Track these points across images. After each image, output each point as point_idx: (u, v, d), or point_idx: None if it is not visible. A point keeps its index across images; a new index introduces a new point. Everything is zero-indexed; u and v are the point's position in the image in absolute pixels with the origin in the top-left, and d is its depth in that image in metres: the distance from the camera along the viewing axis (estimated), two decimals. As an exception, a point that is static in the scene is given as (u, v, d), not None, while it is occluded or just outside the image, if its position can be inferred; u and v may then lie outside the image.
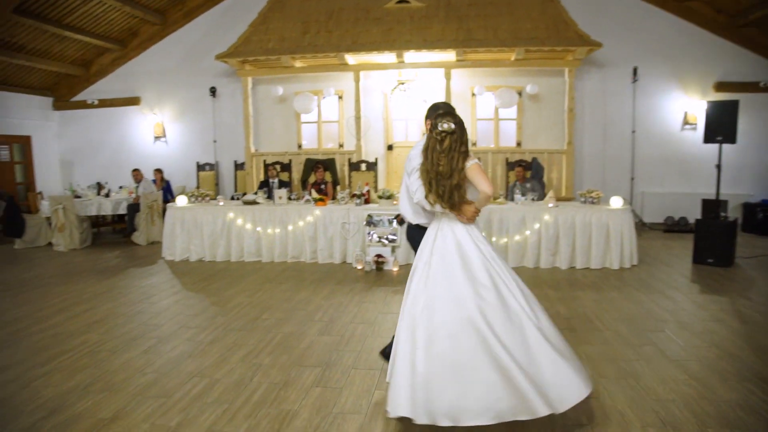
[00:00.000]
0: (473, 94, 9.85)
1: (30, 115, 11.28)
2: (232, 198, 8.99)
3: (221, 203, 7.88)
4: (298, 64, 9.77)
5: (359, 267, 6.89)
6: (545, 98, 9.83)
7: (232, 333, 4.65)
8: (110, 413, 3.23)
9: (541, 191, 7.57)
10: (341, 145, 10.43)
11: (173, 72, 11.16)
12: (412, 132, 10.31)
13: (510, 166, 8.88)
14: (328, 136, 10.79)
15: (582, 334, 4.44)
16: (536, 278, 6.27)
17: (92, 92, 11.66)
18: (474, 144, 9.91)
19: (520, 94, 9.77)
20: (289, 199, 7.97)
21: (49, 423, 3.13)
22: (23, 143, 11.31)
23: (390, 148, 10.31)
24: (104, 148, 11.74)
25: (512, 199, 7.32)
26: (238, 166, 10.95)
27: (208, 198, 8.20)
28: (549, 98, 9.77)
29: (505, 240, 6.90)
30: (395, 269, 6.82)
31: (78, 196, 9.36)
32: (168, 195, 10.23)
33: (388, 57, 9.28)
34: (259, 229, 7.55)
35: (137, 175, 9.60)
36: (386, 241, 7.03)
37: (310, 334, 4.60)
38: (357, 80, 9.58)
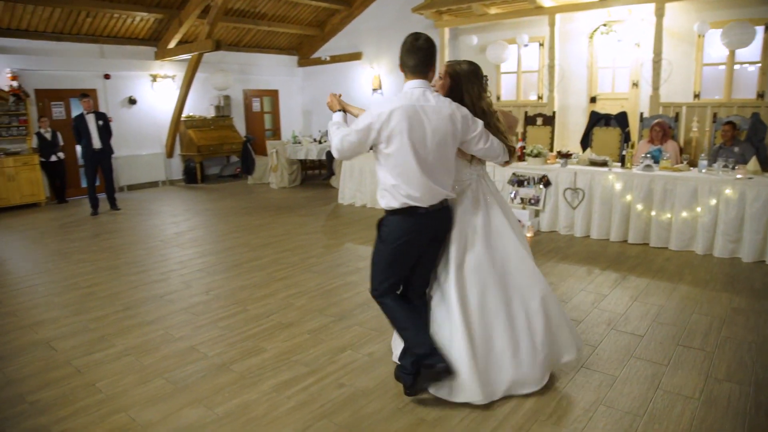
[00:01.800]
0: (700, 35, 7.81)
1: (278, 72, 13.34)
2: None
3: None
4: (492, 11, 9.22)
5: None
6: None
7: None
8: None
9: (751, 158, 5.71)
10: (540, 97, 9.57)
11: (388, 27, 11.71)
12: (621, 81, 8.80)
13: (717, 124, 6.89)
14: (529, 87, 10.01)
15: None
16: (707, 269, 4.91)
17: (326, 50, 13.10)
18: (697, 96, 7.96)
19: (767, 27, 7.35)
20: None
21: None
22: (272, 96, 13.50)
23: (593, 100, 9.02)
24: (334, 99, 13.17)
25: (710, 165, 5.68)
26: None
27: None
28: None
29: (669, 216, 5.52)
30: (529, 235, 6.15)
31: (298, 143, 10.83)
32: None
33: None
34: (413, 180, 7.63)
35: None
36: (529, 204, 6.37)
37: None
38: (552, 24, 8.57)
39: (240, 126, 12.70)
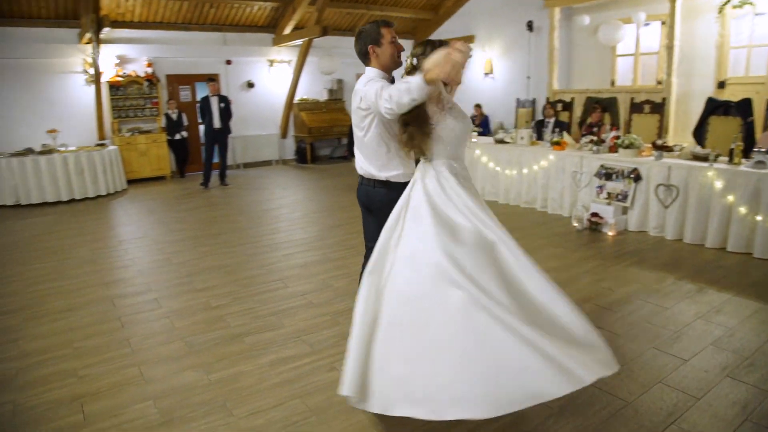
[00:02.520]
0: None
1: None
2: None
3: (474, 140, 7.89)
4: (607, -14, 8.41)
5: (575, 224, 5.92)
6: None
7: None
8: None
9: None
10: (659, 82, 8.56)
11: (500, 8, 11.20)
12: (758, 63, 7.52)
13: None
14: (649, 71, 8.99)
15: None
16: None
17: (439, 33, 12.90)
18: None
19: None
20: (540, 139, 7.32)
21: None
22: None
23: (721, 85, 7.84)
24: (446, 84, 12.97)
25: None
26: (552, 104, 10.39)
27: (474, 132, 8.30)
28: None
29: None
30: (611, 233, 5.58)
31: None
32: (485, 130, 10.72)
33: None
34: (498, 168, 7.30)
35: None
36: (616, 200, 5.77)
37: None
38: (672, 0, 7.57)
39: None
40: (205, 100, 9.01)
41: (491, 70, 11.76)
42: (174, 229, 6.53)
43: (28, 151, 8.25)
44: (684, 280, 4.30)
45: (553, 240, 5.50)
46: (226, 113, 9.08)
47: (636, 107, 7.39)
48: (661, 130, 7.03)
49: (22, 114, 9.12)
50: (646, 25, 8.55)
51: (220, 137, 9.18)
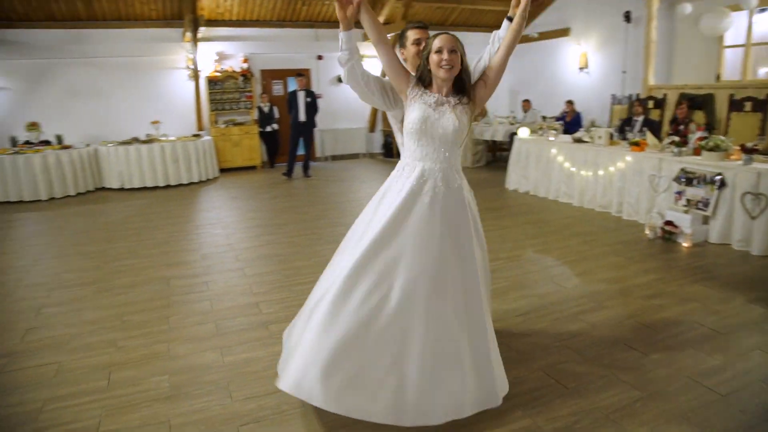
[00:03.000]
0: None
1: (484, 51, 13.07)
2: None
3: (551, 138, 7.51)
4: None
5: (647, 232, 5.45)
6: None
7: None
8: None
9: None
10: (776, 77, 7.60)
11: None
12: None
13: None
14: (762, 62, 7.99)
15: None
16: None
17: (534, 26, 12.37)
18: None
19: None
20: (623, 139, 6.80)
21: (217, 263, 4.63)
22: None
23: None
24: (540, 78, 12.45)
25: None
26: (642, 101, 9.61)
27: (555, 132, 7.91)
28: None
29: None
30: (686, 245, 5.06)
31: (488, 123, 10.64)
32: (576, 127, 10.19)
33: None
34: (573, 169, 6.90)
35: (526, 105, 10.00)
36: (696, 208, 5.23)
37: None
38: (794, -18, 6.66)
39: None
40: (293, 95, 9.43)
41: (586, 65, 11.09)
42: (248, 217, 6.93)
43: (134, 140, 9.16)
44: (756, 303, 3.80)
45: (618, 248, 5.11)
46: (311, 107, 9.42)
47: (735, 105, 6.59)
48: (764, 131, 6.21)
49: (131, 106, 10.12)
50: (761, 11, 7.59)
51: (304, 130, 9.55)
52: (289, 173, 9.80)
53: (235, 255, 5.27)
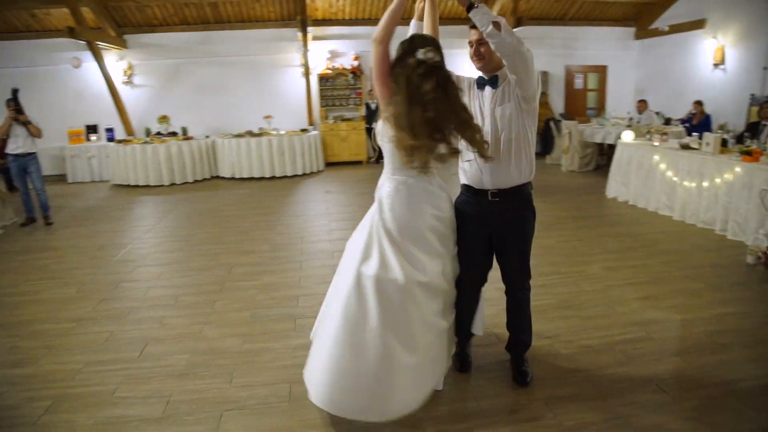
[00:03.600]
0: None
1: (609, 46, 12.16)
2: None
3: (656, 143, 6.77)
4: None
5: (748, 257, 4.72)
6: None
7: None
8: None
9: None
10: None
11: (745, -16, 9.23)
12: None
13: None
14: None
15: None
16: None
17: (665, 19, 11.20)
18: None
19: None
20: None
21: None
22: (599, 72, 12.44)
23: None
24: (668, 76, 11.29)
25: None
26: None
27: (665, 136, 7.13)
28: None
29: None
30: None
31: (602, 124, 9.90)
32: (704, 131, 9.12)
33: None
34: (676, 179, 6.18)
35: (641, 106, 9.13)
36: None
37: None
38: None
39: (558, 103, 12.30)
40: None
41: (722, 60, 9.81)
42: (332, 212, 7.20)
43: (246, 133, 9.93)
44: None
45: (703, 272, 4.49)
46: None
47: None
48: None
49: (248, 102, 10.97)
50: None
51: None
52: (386, 168, 9.97)
53: (299, 249, 5.52)
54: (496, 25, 2.28)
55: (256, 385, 2.93)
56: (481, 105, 2.59)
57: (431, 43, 2.45)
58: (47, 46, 10.24)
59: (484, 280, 2.88)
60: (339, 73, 11.25)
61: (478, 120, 2.56)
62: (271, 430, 2.54)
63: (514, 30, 10.16)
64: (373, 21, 11.19)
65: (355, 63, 11.26)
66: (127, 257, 5.37)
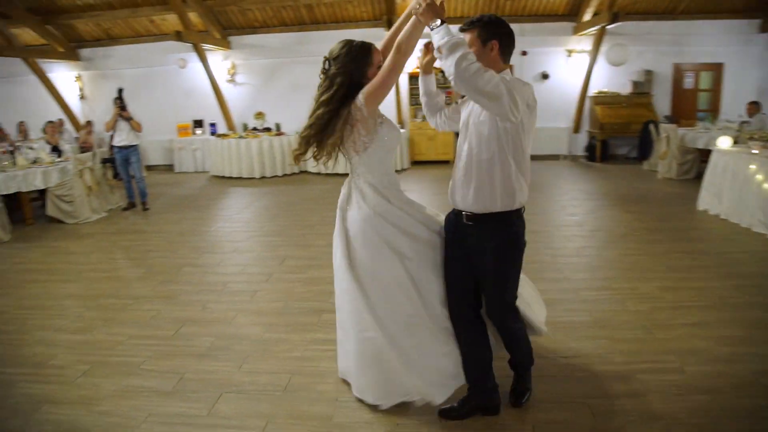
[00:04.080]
0: None
1: (727, 42, 10.93)
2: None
3: (755, 151, 6.03)
4: None
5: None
6: None
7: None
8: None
9: None
10: None
11: None
12: None
13: None
14: None
15: None
16: None
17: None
18: None
19: None
20: None
21: (322, 249, 5.09)
22: (713, 71, 11.25)
23: None
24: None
25: None
26: None
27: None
28: None
29: None
30: None
31: (707, 128, 9.03)
32: None
33: None
34: (774, 193, 5.48)
35: (751, 108, 8.19)
36: None
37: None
38: None
39: (663, 105, 11.35)
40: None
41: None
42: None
43: (333, 131, 10.31)
44: None
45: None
46: None
47: None
48: None
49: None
50: None
51: None
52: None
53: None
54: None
55: (261, 372, 3.11)
56: (468, 115, 2.47)
57: None
58: (159, 48, 11.40)
59: (471, 309, 2.59)
60: (430, 72, 11.25)
61: (462, 132, 2.45)
62: (257, 415, 2.70)
63: (610, 26, 9.58)
64: (462, 19, 11.04)
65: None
66: (198, 244, 5.87)
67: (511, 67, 2.48)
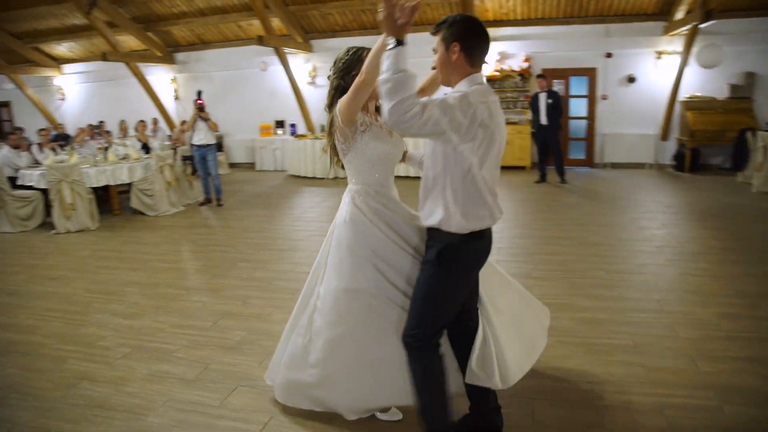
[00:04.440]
0: None
1: None
2: None
3: None
4: None
5: None
6: None
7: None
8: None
9: None
10: None
11: None
12: None
13: None
14: None
15: None
16: None
17: None
18: None
19: None
20: None
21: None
22: None
23: None
24: None
25: None
26: None
27: None
28: None
29: None
30: None
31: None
32: None
33: None
34: None
35: None
36: None
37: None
38: None
39: (766, 110, 10.29)
40: (535, 97, 9.27)
41: None
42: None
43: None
44: None
45: None
46: (553, 110, 9.02)
47: None
48: None
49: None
50: None
51: (547, 134, 9.20)
52: (540, 178, 9.54)
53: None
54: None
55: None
56: None
57: None
58: (245, 52, 12.06)
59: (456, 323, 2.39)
60: (506, 75, 11.00)
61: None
62: (261, 409, 2.81)
63: (703, 25, 8.83)
64: (546, 20, 10.70)
65: (525, 65, 10.89)
66: (258, 241, 6.15)
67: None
